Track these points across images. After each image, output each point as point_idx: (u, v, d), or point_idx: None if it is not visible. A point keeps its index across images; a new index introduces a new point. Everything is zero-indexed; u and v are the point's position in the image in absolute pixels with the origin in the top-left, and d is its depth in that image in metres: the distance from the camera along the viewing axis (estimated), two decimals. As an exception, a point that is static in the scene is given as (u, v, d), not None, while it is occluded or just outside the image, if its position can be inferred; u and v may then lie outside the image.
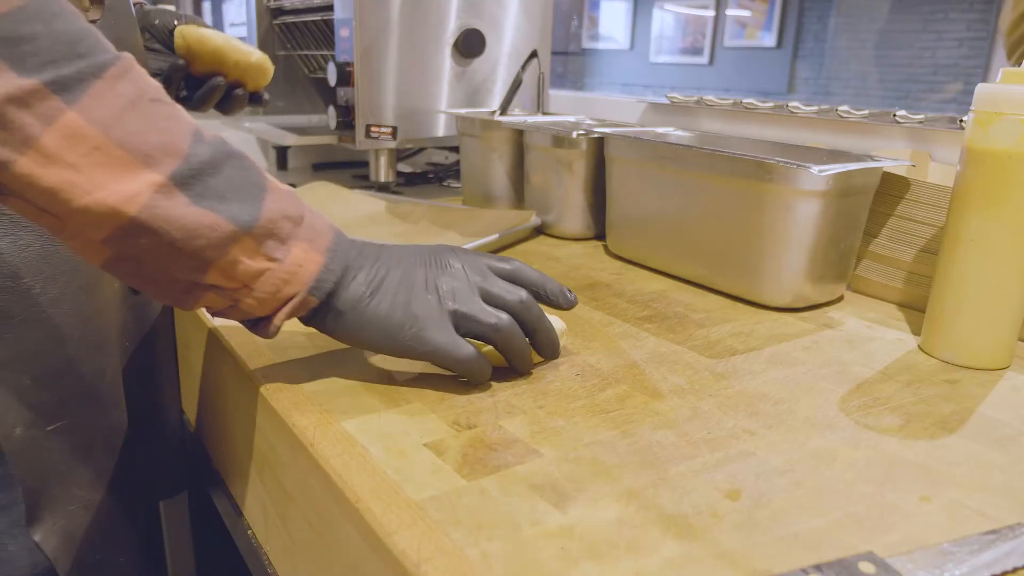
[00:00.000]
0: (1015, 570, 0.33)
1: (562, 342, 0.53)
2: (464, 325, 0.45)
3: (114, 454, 0.56)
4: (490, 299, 0.46)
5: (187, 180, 0.37)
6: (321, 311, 0.44)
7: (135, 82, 0.36)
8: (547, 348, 0.50)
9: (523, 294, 0.47)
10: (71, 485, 0.52)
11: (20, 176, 0.34)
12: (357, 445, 0.41)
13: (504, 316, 0.46)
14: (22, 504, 0.48)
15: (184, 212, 0.37)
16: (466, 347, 0.45)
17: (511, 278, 0.48)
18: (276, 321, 0.43)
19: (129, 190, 0.35)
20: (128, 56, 0.37)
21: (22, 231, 0.47)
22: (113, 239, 0.36)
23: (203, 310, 0.44)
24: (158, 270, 0.39)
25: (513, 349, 0.47)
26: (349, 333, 0.45)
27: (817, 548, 0.33)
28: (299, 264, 0.41)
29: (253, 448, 0.51)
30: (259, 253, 0.40)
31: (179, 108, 0.38)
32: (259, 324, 0.44)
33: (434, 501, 0.36)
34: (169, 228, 0.36)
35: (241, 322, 0.44)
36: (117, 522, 0.56)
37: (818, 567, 0.32)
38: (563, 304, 0.50)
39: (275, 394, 0.47)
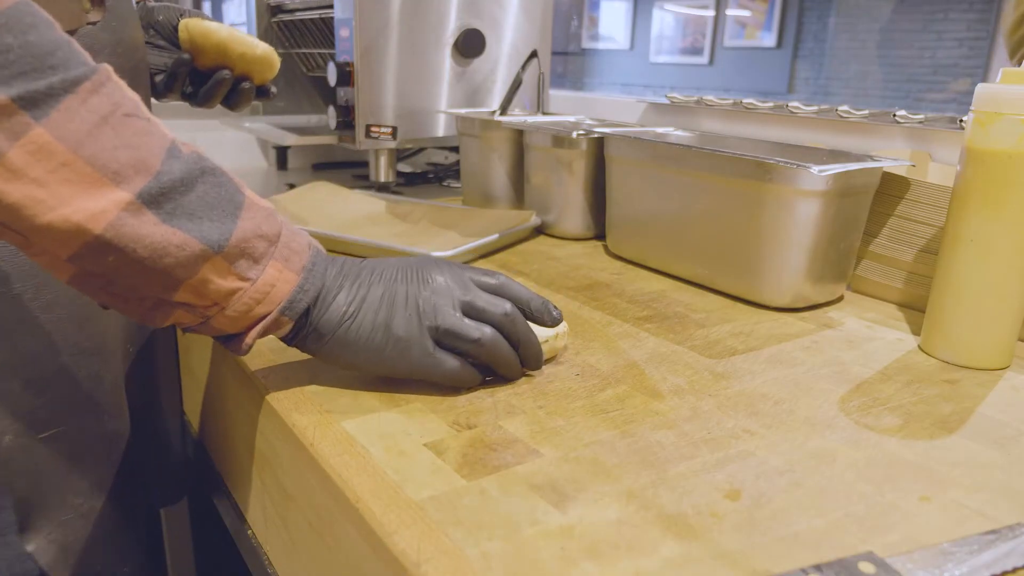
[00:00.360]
0: (1015, 570, 0.33)
1: (562, 342, 0.53)
2: (446, 340, 0.45)
3: (114, 461, 0.55)
4: (474, 312, 0.46)
5: (156, 198, 0.36)
6: (301, 332, 0.44)
7: (110, 96, 0.36)
8: (531, 360, 0.49)
9: (508, 306, 0.47)
10: (67, 494, 0.51)
11: None
12: (357, 445, 0.41)
13: (487, 330, 0.45)
14: (9, 512, 0.48)
15: (152, 231, 0.36)
16: (447, 363, 0.45)
17: (496, 292, 0.48)
18: (248, 340, 0.42)
19: (95, 207, 0.34)
20: (105, 68, 0.36)
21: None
22: (78, 257, 0.36)
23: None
24: (126, 288, 0.38)
25: (498, 361, 0.47)
26: (331, 355, 0.45)
27: (817, 548, 0.33)
28: (272, 284, 0.41)
29: (254, 448, 0.51)
30: (230, 272, 0.39)
31: (155, 123, 0.38)
32: (231, 340, 0.43)
33: (434, 501, 0.36)
34: (135, 247, 0.36)
35: (214, 337, 0.43)
36: (118, 531, 0.56)
37: (818, 567, 0.32)
38: (547, 321, 0.49)
39: (275, 394, 0.47)
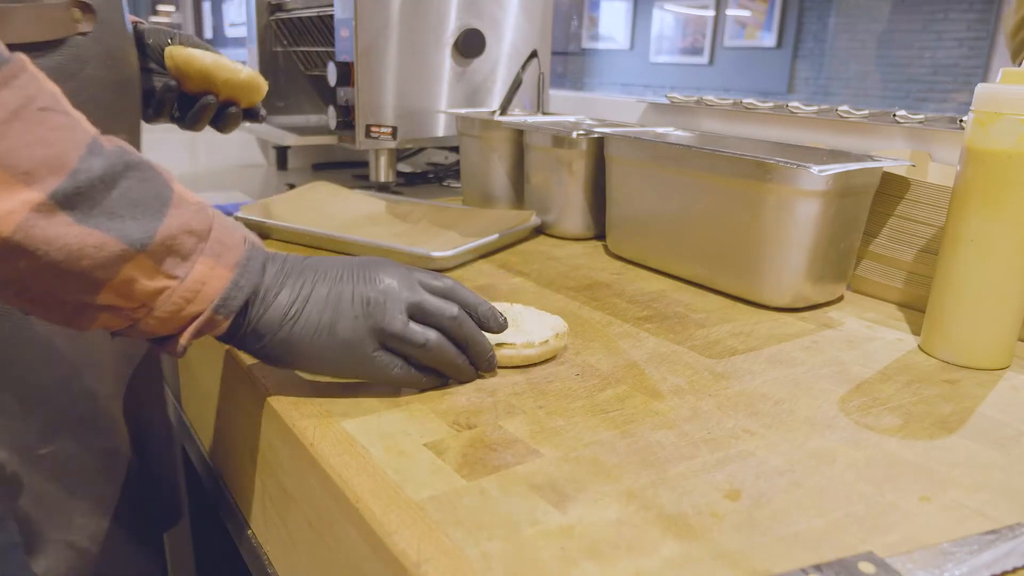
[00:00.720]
0: (1015, 570, 0.33)
1: (562, 342, 0.53)
2: (391, 344, 0.44)
3: (115, 480, 0.53)
4: (420, 315, 0.45)
5: (71, 197, 0.34)
6: (239, 332, 0.42)
7: (23, 89, 0.33)
8: (482, 363, 0.48)
9: (455, 310, 0.45)
10: (73, 513, 0.50)
11: None
12: (357, 445, 0.41)
13: (432, 335, 0.44)
14: (12, 525, 0.47)
15: (65, 232, 0.34)
16: (391, 367, 0.44)
17: (444, 295, 0.46)
18: (182, 341, 0.40)
19: (2, 210, 0.32)
20: (19, 59, 0.34)
21: None
22: None
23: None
24: (42, 293, 0.36)
25: (445, 365, 0.46)
26: (271, 356, 0.43)
27: (817, 548, 0.33)
28: (202, 282, 0.39)
29: (254, 449, 0.51)
30: (157, 271, 0.37)
31: (75, 117, 0.36)
32: (165, 342, 0.41)
33: (434, 501, 0.36)
34: (48, 249, 0.34)
35: (148, 340, 0.41)
36: (126, 553, 0.55)
37: (818, 567, 0.32)
38: (494, 328, 0.48)
39: (275, 394, 0.47)
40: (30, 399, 0.47)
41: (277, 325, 0.42)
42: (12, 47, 0.35)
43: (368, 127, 1.06)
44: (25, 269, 0.34)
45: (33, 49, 0.42)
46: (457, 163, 1.29)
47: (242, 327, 0.42)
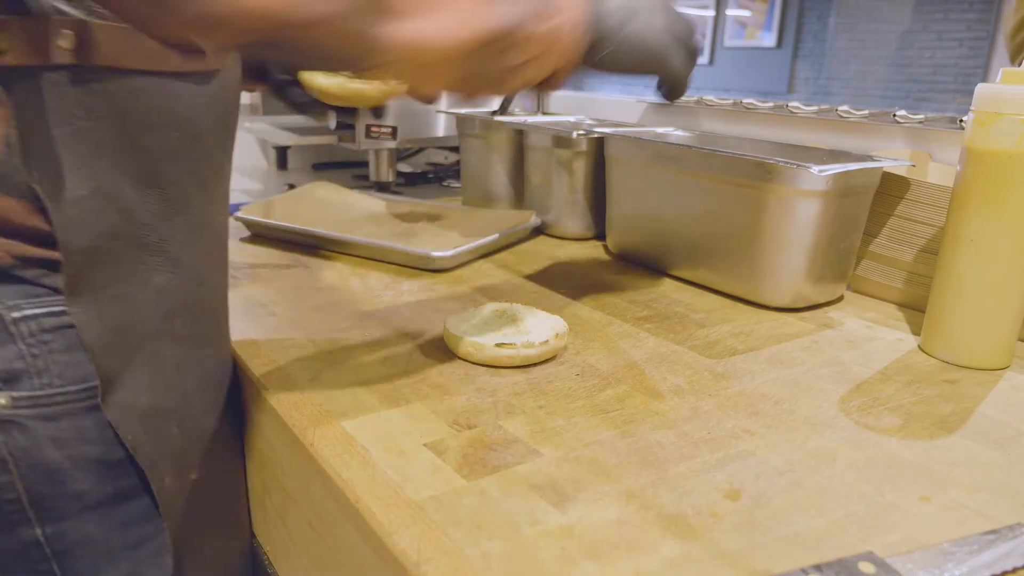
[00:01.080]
0: (1015, 570, 0.33)
1: (562, 342, 0.53)
2: (683, 49, 0.52)
3: (225, 504, 0.55)
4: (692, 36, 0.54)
5: None
6: (591, 43, 0.48)
7: None
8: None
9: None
10: (215, 538, 0.51)
11: (392, 43, 0.36)
12: (357, 445, 0.41)
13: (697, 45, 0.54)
14: (169, 558, 0.47)
15: (501, 12, 0.40)
16: (681, 65, 0.53)
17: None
18: (562, 72, 0.47)
19: (480, 13, 0.39)
20: None
21: (172, 271, 0.46)
22: (464, 59, 0.39)
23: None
24: (492, 71, 0.42)
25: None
26: (609, 62, 0.49)
27: (817, 548, 0.33)
28: (572, 12, 0.45)
29: (254, 449, 0.51)
30: (546, 21, 0.43)
31: None
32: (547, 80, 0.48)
33: (434, 501, 0.36)
34: (501, 30, 0.40)
35: (538, 86, 0.48)
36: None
37: (818, 567, 0.32)
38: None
39: (275, 394, 0.47)
40: (186, 427, 0.48)
41: (612, 32, 0.48)
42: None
43: (368, 127, 1.06)
44: (486, 53, 0.40)
45: (196, 80, 0.45)
46: (457, 163, 1.29)
47: (592, 38, 0.48)
